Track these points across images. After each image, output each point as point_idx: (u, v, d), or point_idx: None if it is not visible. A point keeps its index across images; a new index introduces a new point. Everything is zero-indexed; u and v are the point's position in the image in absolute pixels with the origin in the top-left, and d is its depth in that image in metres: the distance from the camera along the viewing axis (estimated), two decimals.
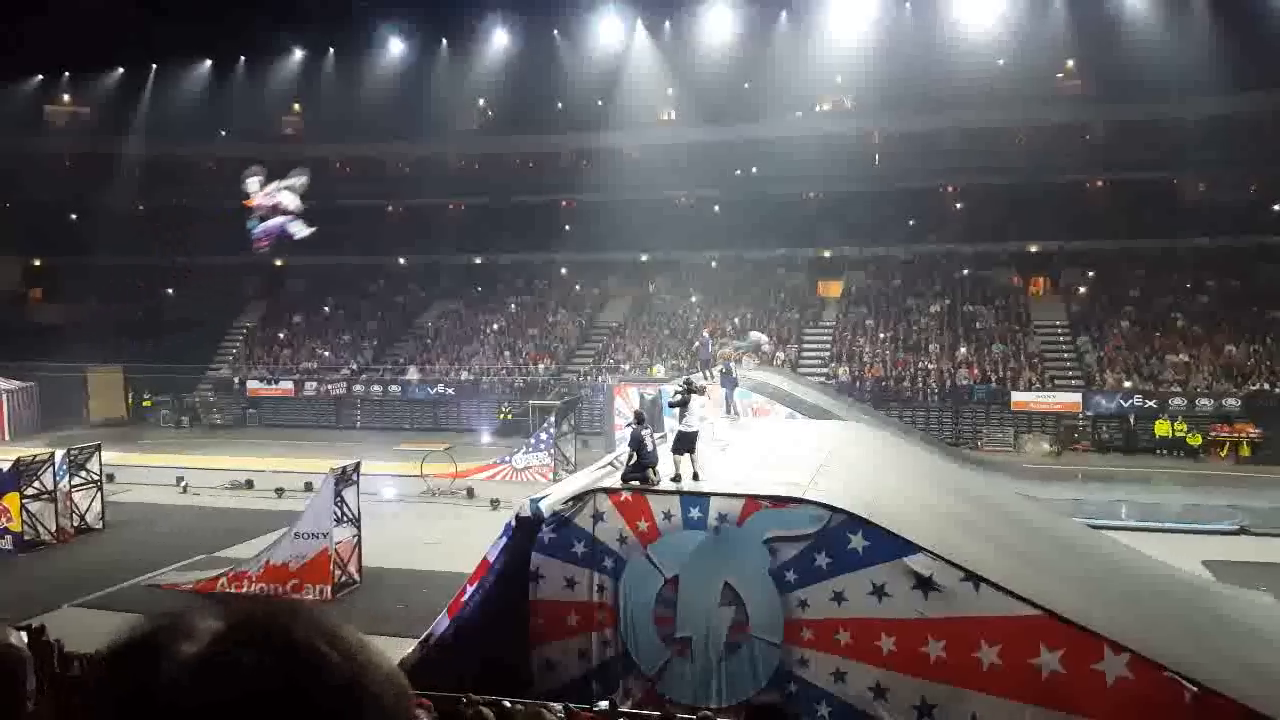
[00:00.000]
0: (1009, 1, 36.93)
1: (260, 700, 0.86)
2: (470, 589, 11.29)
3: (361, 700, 0.90)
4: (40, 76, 44.52)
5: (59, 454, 20.33)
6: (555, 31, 41.70)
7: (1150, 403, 29.39)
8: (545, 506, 11.21)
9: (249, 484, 24.75)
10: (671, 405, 12.80)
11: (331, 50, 44.17)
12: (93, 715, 0.88)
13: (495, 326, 40.43)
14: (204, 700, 0.85)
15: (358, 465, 17.42)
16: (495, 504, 21.35)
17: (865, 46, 37.89)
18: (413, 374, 37.03)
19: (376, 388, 37.19)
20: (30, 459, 19.82)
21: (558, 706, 8.93)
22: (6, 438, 33.50)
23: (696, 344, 31.76)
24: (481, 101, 46.36)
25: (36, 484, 19.50)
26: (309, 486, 21.34)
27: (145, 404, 38.06)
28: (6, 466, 19.67)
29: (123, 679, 0.88)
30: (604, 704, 9.60)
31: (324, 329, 42.39)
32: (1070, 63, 40.07)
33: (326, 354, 40.13)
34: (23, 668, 1.73)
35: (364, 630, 0.97)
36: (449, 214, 47.58)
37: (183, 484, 24.53)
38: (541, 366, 36.65)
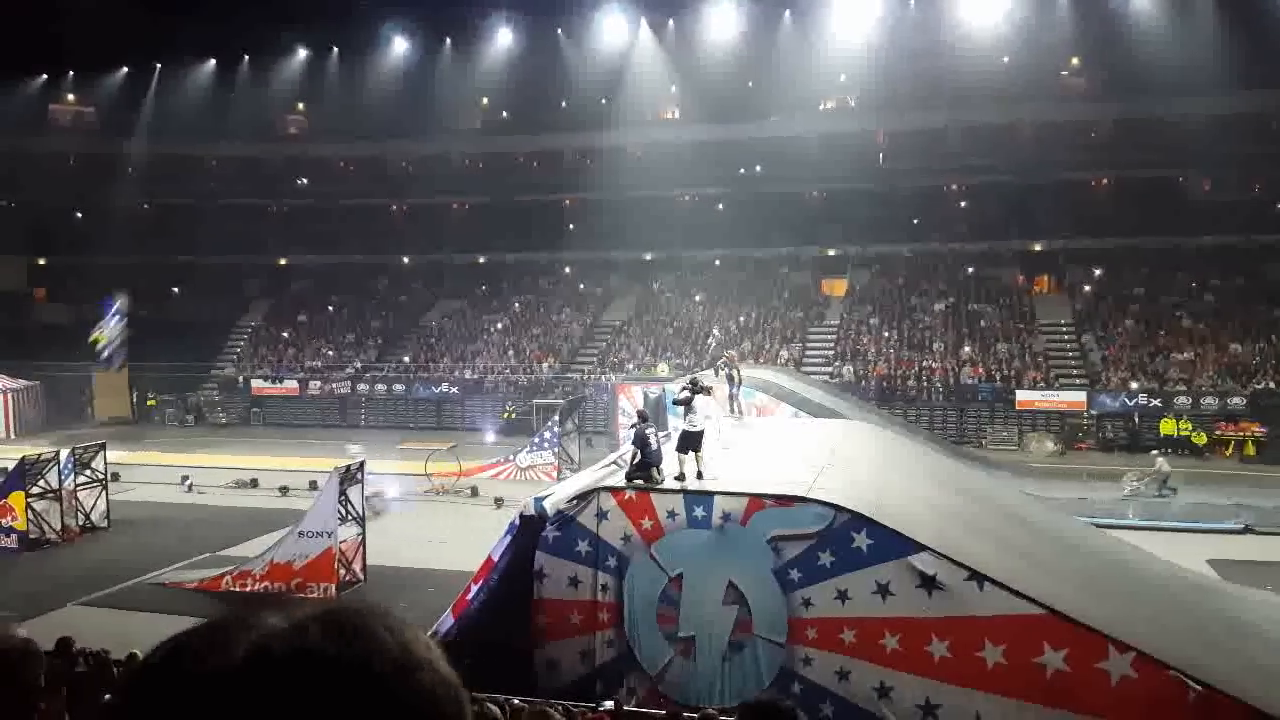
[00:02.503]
0: None
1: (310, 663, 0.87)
2: (475, 588, 11.29)
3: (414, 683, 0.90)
4: (45, 76, 44.58)
5: (64, 453, 20.37)
6: (559, 30, 41.68)
7: (1155, 401, 29.33)
8: (549, 505, 11.19)
9: (253, 483, 24.80)
10: (676, 404, 12.80)
11: (335, 50, 44.23)
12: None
13: (499, 325, 40.45)
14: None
15: (362, 464, 17.45)
16: (499, 503, 21.36)
17: (869, 45, 37.84)
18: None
19: (381, 386, 37.24)
20: (35, 458, 19.86)
21: (563, 706, 8.92)
22: (12, 436, 33.60)
23: (711, 343, 31.85)
24: (485, 100, 46.36)
25: (42, 483, 19.53)
26: (313, 485, 21.36)
27: (150, 403, 38.15)
28: (12, 465, 19.73)
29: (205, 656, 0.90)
30: (609, 704, 9.59)
31: (328, 328, 42.46)
32: (1075, 60, 39.94)
33: (331, 353, 40.20)
34: (29, 662, 1.73)
35: None
36: (453, 213, 47.62)
37: (187, 483, 24.58)
38: (545, 365, 36.67)
